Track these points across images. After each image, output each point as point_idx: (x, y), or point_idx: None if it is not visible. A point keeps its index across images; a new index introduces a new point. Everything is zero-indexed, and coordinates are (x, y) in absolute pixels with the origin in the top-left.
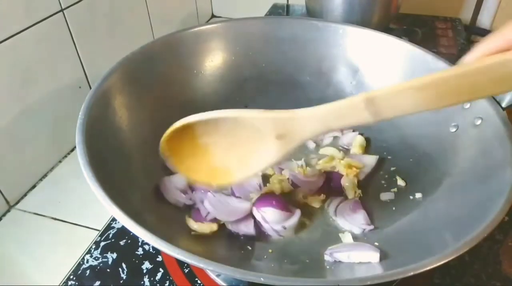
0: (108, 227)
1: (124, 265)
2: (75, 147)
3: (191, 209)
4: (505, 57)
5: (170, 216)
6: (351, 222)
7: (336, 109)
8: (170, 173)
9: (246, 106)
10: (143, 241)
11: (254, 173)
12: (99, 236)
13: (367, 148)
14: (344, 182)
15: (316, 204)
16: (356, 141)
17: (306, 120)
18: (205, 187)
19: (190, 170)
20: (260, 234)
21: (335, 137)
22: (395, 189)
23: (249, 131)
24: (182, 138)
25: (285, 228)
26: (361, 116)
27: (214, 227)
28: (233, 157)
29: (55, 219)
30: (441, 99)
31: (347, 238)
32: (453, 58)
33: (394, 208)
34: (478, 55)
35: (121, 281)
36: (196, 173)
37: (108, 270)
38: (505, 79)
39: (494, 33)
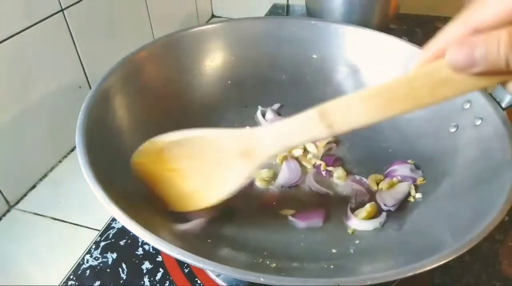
0: (108, 227)
1: (124, 265)
2: (75, 147)
3: None
4: (440, 63)
5: (170, 216)
6: None
7: (292, 124)
8: None
9: (246, 106)
10: (143, 241)
11: (224, 195)
12: (99, 236)
13: (367, 148)
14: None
15: None
16: None
17: (265, 138)
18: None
19: (162, 194)
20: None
21: None
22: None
23: (215, 151)
24: (153, 163)
25: None
26: (316, 130)
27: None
28: (202, 180)
29: (55, 219)
30: (389, 107)
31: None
32: None
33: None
34: (426, 58)
35: (121, 281)
36: (167, 197)
37: (108, 270)
38: (442, 85)
39: (439, 33)
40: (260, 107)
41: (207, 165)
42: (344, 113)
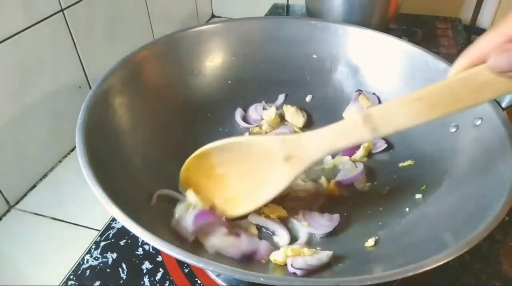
0: (108, 227)
1: (124, 265)
2: (75, 147)
3: None
4: (479, 68)
5: (170, 216)
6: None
7: (338, 129)
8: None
9: (246, 106)
10: (143, 241)
11: (266, 200)
12: (99, 236)
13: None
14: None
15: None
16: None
17: (311, 142)
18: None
19: (206, 200)
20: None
21: None
22: (395, 189)
23: (260, 155)
24: (199, 170)
25: None
26: (361, 134)
27: None
28: (246, 186)
29: (55, 219)
30: (432, 111)
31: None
32: (453, 58)
33: (394, 208)
34: (464, 65)
35: (121, 281)
36: (211, 203)
37: (108, 270)
38: (482, 87)
39: (476, 42)
40: (239, 108)
41: (252, 170)
42: (388, 117)
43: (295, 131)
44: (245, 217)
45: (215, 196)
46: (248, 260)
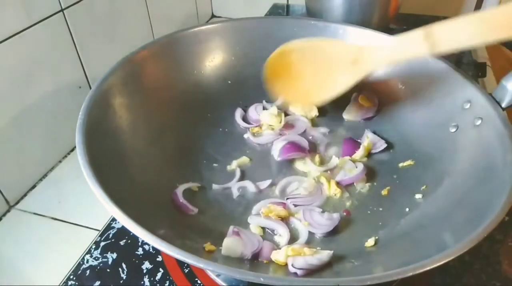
0: (108, 227)
1: (124, 265)
2: (75, 147)
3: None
4: None
5: (170, 216)
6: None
7: (399, 41)
8: (168, 173)
9: (246, 106)
10: (143, 241)
11: (335, 94)
12: (99, 236)
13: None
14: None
15: None
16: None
17: (375, 51)
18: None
19: (284, 91)
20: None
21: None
22: (395, 189)
23: (330, 57)
24: (281, 64)
25: None
26: (420, 48)
27: None
28: (319, 81)
29: (55, 219)
30: (492, 33)
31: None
32: (453, 58)
33: (394, 208)
34: None
35: (121, 281)
36: (288, 93)
37: (108, 270)
38: None
39: None
40: (239, 108)
41: (324, 68)
42: (448, 35)
43: (308, 121)
44: None
45: (292, 87)
46: (252, 259)
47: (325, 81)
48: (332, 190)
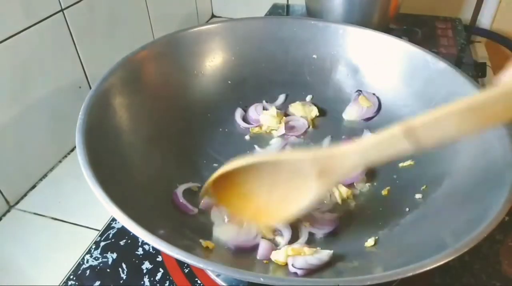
0: (108, 227)
1: (124, 265)
2: (75, 147)
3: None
4: None
5: (170, 216)
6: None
7: (375, 142)
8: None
9: (246, 106)
10: (143, 241)
11: (297, 212)
12: (99, 236)
13: None
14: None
15: None
16: None
17: (346, 157)
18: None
19: (236, 211)
20: None
21: None
22: (395, 189)
23: (290, 172)
24: (225, 185)
25: None
26: (400, 147)
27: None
28: (276, 198)
29: (55, 219)
30: (484, 122)
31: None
32: (453, 58)
33: (394, 208)
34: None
35: (121, 281)
36: (241, 213)
37: (108, 270)
38: None
39: None
40: (239, 108)
41: (281, 186)
42: (433, 129)
43: (308, 122)
44: None
45: (244, 209)
46: (245, 253)
47: (286, 199)
48: (343, 194)
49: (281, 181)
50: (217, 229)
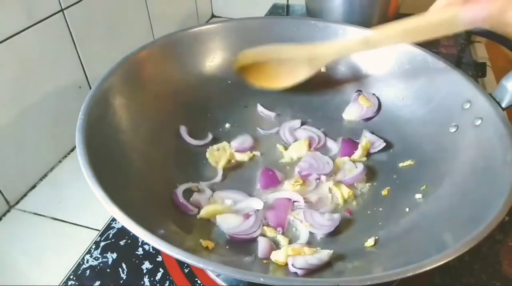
0: (108, 227)
1: (124, 265)
2: (75, 147)
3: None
4: (453, 13)
5: (170, 216)
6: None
7: (345, 44)
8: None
9: (246, 106)
10: (143, 241)
11: (295, 82)
12: (99, 236)
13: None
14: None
15: None
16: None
17: (326, 50)
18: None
19: (255, 80)
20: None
21: None
22: (395, 189)
23: (290, 59)
24: (248, 65)
25: None
26: (361, 48)
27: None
28: (282, 73)
29: (55, 219)
30: (414, 37)
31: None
32: (453, 58)
33: (394, 208)
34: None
35: (121, 281)
36: (259, 81)
37: (108, 270)
38: (450, 25)
39: None
40: (259, 105)
41: (285, 64)
42: (380, 38)
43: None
44: None
45: (261, 77)
46: (243, 247)
47: (287, 74)
48: (345, 194)
49: (285, 61)
50: (220, 217)
